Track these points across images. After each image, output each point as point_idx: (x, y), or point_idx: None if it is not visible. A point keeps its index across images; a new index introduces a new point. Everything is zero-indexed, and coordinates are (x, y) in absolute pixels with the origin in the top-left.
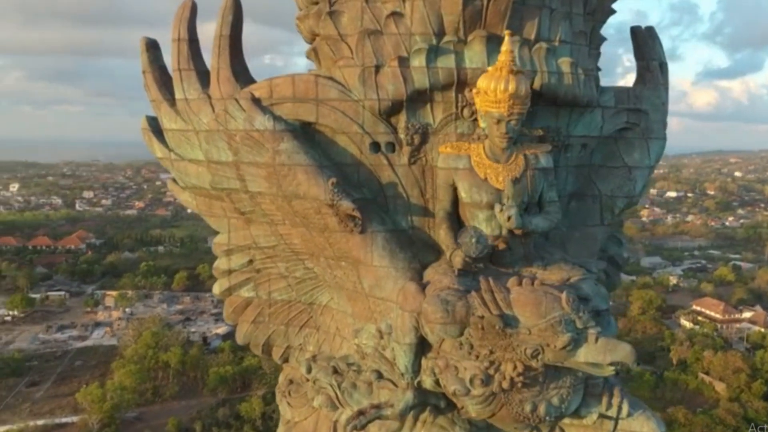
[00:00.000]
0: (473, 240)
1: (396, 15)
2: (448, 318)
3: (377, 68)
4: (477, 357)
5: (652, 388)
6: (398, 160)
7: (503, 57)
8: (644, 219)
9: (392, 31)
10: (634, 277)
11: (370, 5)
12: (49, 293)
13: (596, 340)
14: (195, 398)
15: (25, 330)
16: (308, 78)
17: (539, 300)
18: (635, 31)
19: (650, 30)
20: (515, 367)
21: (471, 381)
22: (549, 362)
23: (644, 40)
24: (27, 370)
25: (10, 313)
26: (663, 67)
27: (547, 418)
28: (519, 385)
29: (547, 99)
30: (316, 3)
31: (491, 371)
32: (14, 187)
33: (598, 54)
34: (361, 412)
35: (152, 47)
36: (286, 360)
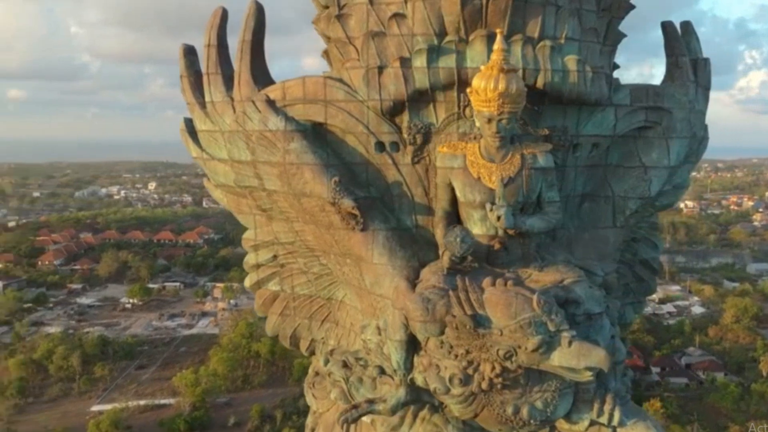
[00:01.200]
0: (458, 239)
1: (398, 16)
2: (427, 316)
3: (380, 69)
4: (456, 356)
5: (736, 400)
6: (402, 159)
7: (494, 56)
8: (756, 223)
9: (395, 33)
10: (736, 284)
11: (375, 7)
12: (165, 284)
13: (570, 343)
14: (281, 387)
15: (141, 317)
16: (317, 80)
17: (510, 301)
18: (666, 27)
19: (686, 25)
20: (493, 368)
21: (450, 380)
22: (524, 364)
23: (675, 36)
24: (138, 354)
25: (130, 301)
26: (699, 64)
27: (532, 421)
28: (499, 386)
29: (552, 98)
30: (327, 7)
31: (470, 371)
32: (152, 185)
33: (612, 50)
34: (354, 406)
35: (189, 53)
36: (312, 353)
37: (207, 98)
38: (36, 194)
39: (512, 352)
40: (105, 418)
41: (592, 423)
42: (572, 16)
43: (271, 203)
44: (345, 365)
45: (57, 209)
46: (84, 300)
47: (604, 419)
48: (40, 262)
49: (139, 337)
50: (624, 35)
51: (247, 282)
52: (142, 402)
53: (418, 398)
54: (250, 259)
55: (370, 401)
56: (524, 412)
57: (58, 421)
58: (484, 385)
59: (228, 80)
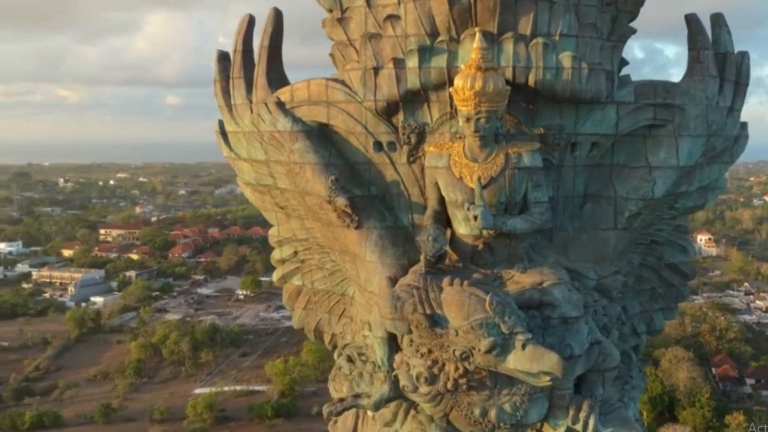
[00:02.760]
0: (429, 239)
1: (393, 18)
2: (396, 314)
3: (376, 70)
4: (422, 355)
5: None
6: (399, 159)
7: (473, 54)
8: None
9: (390, 34)
10: None
11: (372, 10)
12: None
13: (524, 347)
14: None
15: (251, 308)
16: (320, 82)
17: (463, 301)
18: (689, 20)
19: (716, 17)
20: (457, 368)
21: (417, 378)
22: (481, 366)
23: (698, 29)
24: (243, 342)
25: (243, 292)
26: (728, 58)
27: (502, 424)
28: (464, 387)
29: (546, 96)
30: (332, 10)
31: (435, 370)
32: None
33: (616, 46)
34: (341, 400)
35: (222, 59)
36: (334, 346)
37: (232, 101)
38: (181, 192)
39: (468, 353)
40: (201, 401)
41: (569, 430)
42: (568, 11)
43: (284, 201)
44: (350, 360)
45: (195, 206)
46: (204, 290)
47: (579, 426)
48: (170, 255)
49: (246, 327)
50: (633, 30)
51: (274, 276)
52: (238, 387)
53: (401, 395)
54: (275, 255)
55: (356, 396)
56: (492, 414)
57: (164, 401)
58: (449, 385)
59: (249, 84)
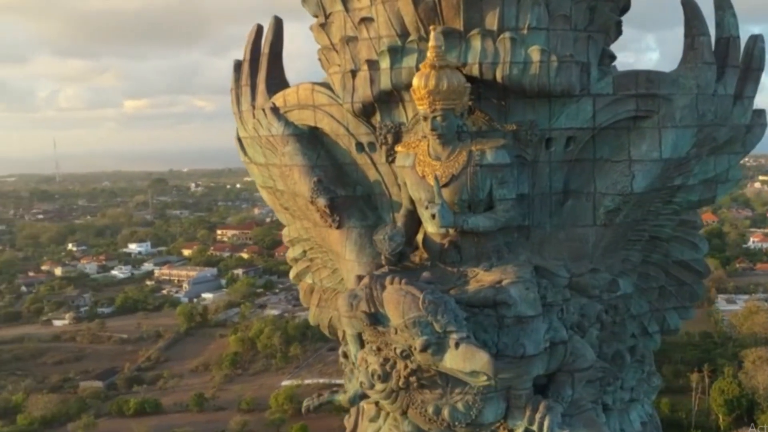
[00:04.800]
0: (385, 238)
1: (367, 20)
2: (350, 312)
3: (353, 72)
4: (374, 353)
5: None
6: (380, 159)
7: (428, 53)
8: None
9: (365, 36)
10: None
11: (350, 14)
12: None
13: (457, 345)
14: None
15: None
16: (307, 86)
17: (399, 300)
18: (685, 4)
19: (721, 1)
20: (405, 366)
21: (372, 375)
22: (422, 365)
23: (694, 14)
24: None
25: None
26: (731, 42)
27: (457, 423)
28: (415, 385)
29: (515, 91)
30: (317, 16)
31: (388, 368)
32: None
33: (592, 37)
34: (319, 395)
35: (237, 68)
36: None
37: (240, 108)
38: None
39: (408, 351)
40: (282, 393)
41: (527, 430)
42: (537, 4)
43: (286, 202)
44: (345, 356)
45: None
46: None
47: (534, 427)
48: (276, 253)
49: None
50: (615, 19)
51: (291, 274)
52: (321, 380)
53: None
54: (289, 254)
55: (334, 391)
56: (445, 413)
57: (253, 392)
58: (401, 383)
59: (254, 91)
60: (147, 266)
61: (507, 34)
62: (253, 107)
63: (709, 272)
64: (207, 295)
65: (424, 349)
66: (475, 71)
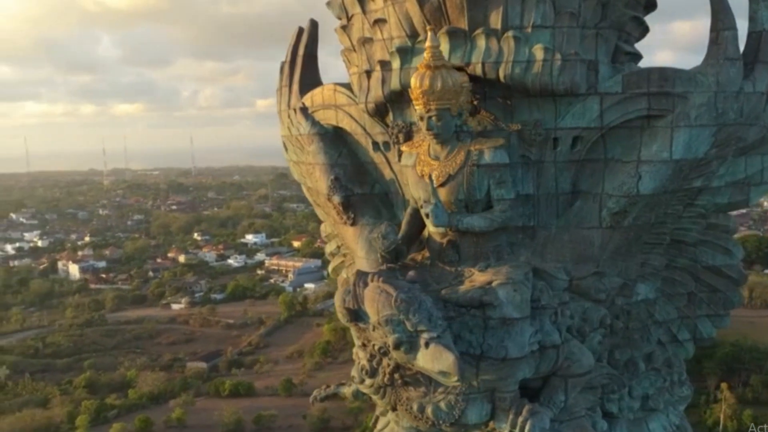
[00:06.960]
0: (380, 236)
1: (380, 22)
2: (343, 308)
3: (368, 73)
4: (362, 348)
5: None
6: (393, 158)
7: (425, 53)
8: None
9: (379, 37)
10: None
11: (366, 15)
12: None
13: (427, 345)
14: None
15: None
16: (330, 87)
17: (375, 298)
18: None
19: None
20: (388, 363)
21: (362, 370)
22: (400, 363)
23: (721, 7)
24: None
25: None
26: (763, 37)
27: (441, 422)
28: (399, 381)
29: (518, 90)
30: (340, 18)
31: (374, 363)
32: None
33: (600, 34)
34: (326, 386)
35: (281, 71)
36: None
37: (280, 108)
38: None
39: (385, 348)
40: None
41: None
42: (542, 1)
43: (317, 199)
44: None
45: None
46: None
47: (516, 431)
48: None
49: None
50: (631, 14)
51: (329, 268)
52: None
53: None
54: (327, 248)
55: (340, 384)
56: (429, 411)
57: (337, 381)
58: (386, 379)
59: (290, 92)
60: (260, 256)
61: (511, 33)
62: (289, 107)
63: (745, 279)
64: (309, 285)
65: (396, 347)
66: (479, 71)
